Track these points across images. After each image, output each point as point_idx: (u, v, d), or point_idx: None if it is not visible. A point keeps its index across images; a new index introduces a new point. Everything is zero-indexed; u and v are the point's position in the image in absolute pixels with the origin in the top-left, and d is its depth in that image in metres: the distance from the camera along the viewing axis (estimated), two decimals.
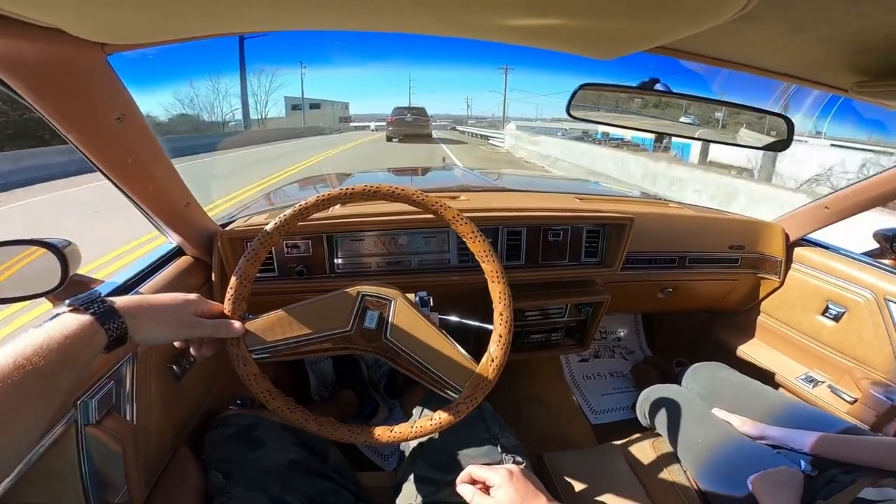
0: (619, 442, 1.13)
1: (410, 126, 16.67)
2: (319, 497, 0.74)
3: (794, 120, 0.81)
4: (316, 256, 1.07)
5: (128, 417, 0.71)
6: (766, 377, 1.38)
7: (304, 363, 1.54)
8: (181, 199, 0.88)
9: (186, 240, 0.95)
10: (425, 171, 2.25)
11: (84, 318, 0.49)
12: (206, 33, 0.55)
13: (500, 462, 0.75)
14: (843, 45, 0.51)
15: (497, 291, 0.70)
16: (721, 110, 0.85)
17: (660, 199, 1.60)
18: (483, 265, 0.70)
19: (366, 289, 0.72)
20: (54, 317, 0.50)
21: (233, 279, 0.65)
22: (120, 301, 0.53)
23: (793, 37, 0.51)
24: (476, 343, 1.25)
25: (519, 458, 0.77)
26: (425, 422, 0.67)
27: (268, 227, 0.66)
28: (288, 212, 0.67)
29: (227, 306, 0.65)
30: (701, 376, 1.17)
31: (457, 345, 0.71)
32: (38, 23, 0.41)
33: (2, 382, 0.39)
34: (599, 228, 1.17)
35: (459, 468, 0.67)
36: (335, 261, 1.09)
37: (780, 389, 1.28)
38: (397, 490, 0.81)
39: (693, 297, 1.45)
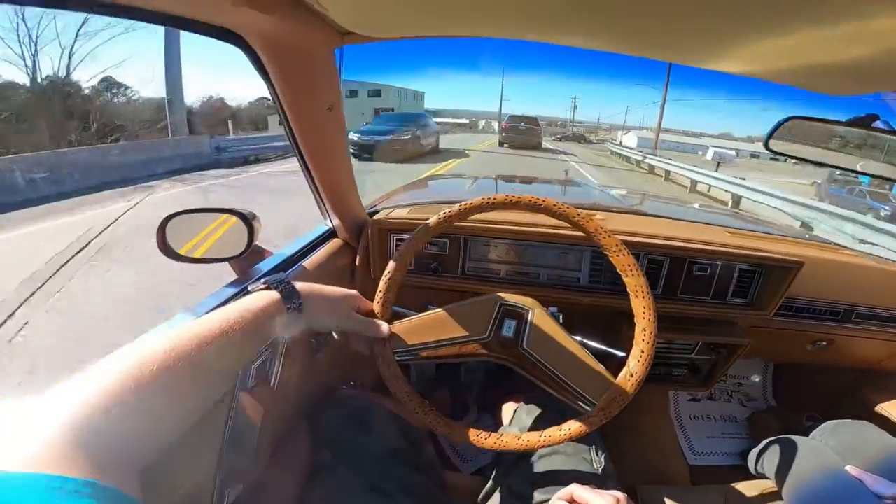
0: (719, 485, 1.04)
1: (523, 134, 17.00)
2: (413, 489, 0.76)
3: None
4: (451, 256, 1.10)
5: (272, 384, 0.77)
6: None
7: None
8: (347, 187, 0.96)
9: (343, 223, 1.03)
10: (557, 183, 2.20)
11: (273, 295, 0.55)
12: (448, 32, 0.57)
13: (601, 487, 0.73)
14: None
15: (641, 307, 0.67)
16: None
17: (831, 243, 1.40)
18: (626, 279, 0.68)
19: (504, 297, 0.73)
20: (248, 291, 0.58)
21: (382, 283, 0.69)
22: (299, 285, 0.59)
23: None
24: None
25: (618, 486, 0.73)
26: (554, 431, 0.67)
27: (429, 222, 0.69)
28: (453, 209, 0.69)
29: (376, 308, 0.69)
30: (841, 434, 1.03)
31: (594, 359, 0.70)
32: (310, 4, 0.45)
33: (208, 343, 0.44)
34: (756, 269, 1.06)
35: (557, 488, 0.65)
36: (467, 263, 1.11)
37: None
38: (486, 498, 0.81)
39: (849, 355, 1.26)
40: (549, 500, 0.64)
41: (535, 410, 0.89)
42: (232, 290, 0.77)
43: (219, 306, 0.72)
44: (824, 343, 1.22)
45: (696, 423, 1.65)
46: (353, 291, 0.68)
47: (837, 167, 0.72)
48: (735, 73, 0.49)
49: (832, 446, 1.01)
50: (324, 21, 0.50)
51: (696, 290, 1.08)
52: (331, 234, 1.09)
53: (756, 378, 1.73)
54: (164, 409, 0.40)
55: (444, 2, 0.44)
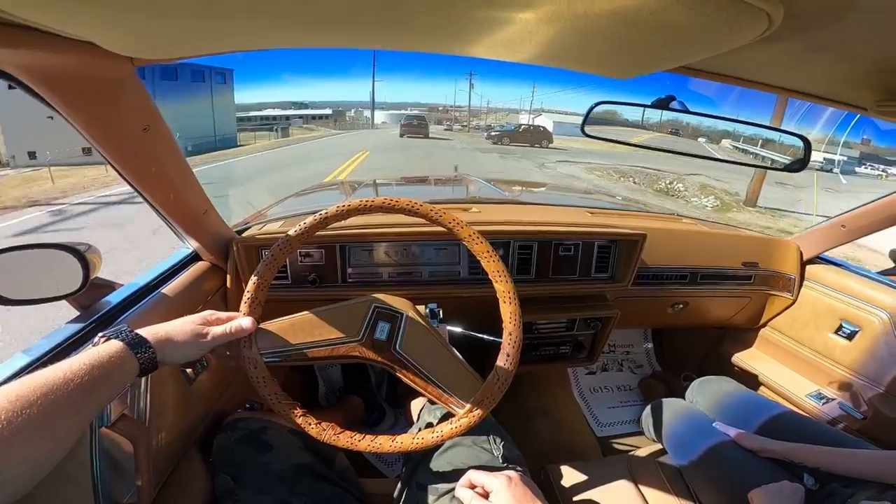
0: (622, 454, 1.13)
1: (416, 127, 24.78)
2: (325, 502, 0.75)
3: None
4: (328, 265, 1.08)
5: (140, 419, 0.72)
6: (777, 393, 1.36)
7: (314, 369, 1.55)
8: (200, 207, 0.90)
9: (204, 246, 0.97)
10: (438, 180, 2.25)
11: (119, 346, 0.53)
12: (229, 49, 0.56)
13: (500, 471, 0.76)
14: (865, 63, 0.51)
15: (508, 312, 0.70)
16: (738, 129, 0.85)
17: (673, 214, 1.59)
18: (496, 285, 0.71)
19: (378, 300, 0.72)
20: (94, 344, 0.55)
21: (250, 282, 0.66)
22: (144, 331, 0.57)
23: (813, 56, 0.51)
24: (483, 355, 1.25)
25: (519, 468, 0.77)
26: (427, 434, 0.68)
27: (290, 233, 0.67)
28: (308, 220, 0.68)
29: (243, 308, 0.66)
30: (706, 390, 1.16)
31: (464, 361, 0.72)
32: (73, 36, 0.42)
33: (55, 392, 0.43)
34: (611, 244, 1.17)
35: (460, 476, 0.68)
36: (347, 270, 1.10)
37: (790, 406, 1.27)
38: (399, 497, 0.81)
39: (704, 314, 1.44)
40: (453, 488, 0.67)
41: (439, 409, 0.90)
42: (72, 329, 0.71)
43: (59, 346, 0.67)
44: (682, 306, 1.37)
45: (596, 396, 1.77)
46: (205, 312, 0.65)
47: (647, 147, 0.81)
48: (513, 61, 0.54)
49: (701, 403, 1.13)
50: (101, 49, 0.46)
51: (565, 270, 1.17)
52: (194, 258, 1.01)
53: (631, 346, 1.91)
54: (9, 460, 0.39)
55: (214, 25, 0.42)
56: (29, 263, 0.75)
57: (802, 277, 1.37)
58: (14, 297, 0.73)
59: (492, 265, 0.70)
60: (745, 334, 1.56)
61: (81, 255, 0.75)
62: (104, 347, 0.52)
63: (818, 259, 1.37)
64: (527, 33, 0.44)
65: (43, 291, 0.76)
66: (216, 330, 0.63)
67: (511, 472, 0.64)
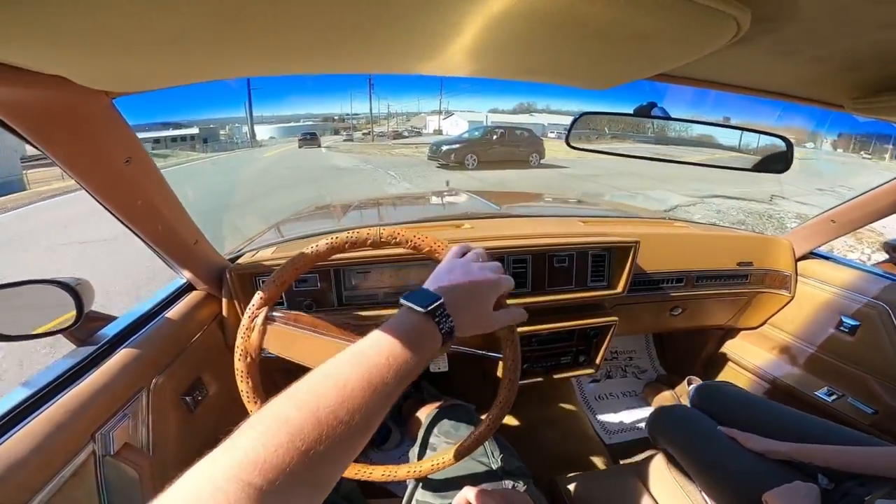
0: (632, 462, 1.11)
1: (309, 141, 24.11)
2: None
3: None
4: (323, 290, 1.07)
5: (144, 448, 0.74)
6: (783, 392, 1.35)
7: None
8: (190, 237, 0.90)
9: (197, 276, 0.97)
10: (430, 197, 2.27)
11: (427, 321, 0.47)
12: (206, 78, 0.56)
13: (499, 485, 0.77)
14: (835, 63, 0.52)
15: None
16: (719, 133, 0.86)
17: (664, 218, 1.60)
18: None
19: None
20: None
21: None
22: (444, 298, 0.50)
23: (785, 58, 0.52)
24: (485, 369, 1.24)
25: (520, 482, 0.77)
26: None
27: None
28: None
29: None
30: (707, 395, 1.15)
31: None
32: (43, 71, 0.42)
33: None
34: (605, 252, 1.17)
35: (458, 490, 0.69)
36: (343, 293, 1.09)
37: (797, 404, 1.26)
38: None
39: (704, 316, 1.44)
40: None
41: (443, 428, 0.91)
42: (70, 362, 0.71)
43: (58, 379, 0.67)
44: (680, 310, 1.37)
45: (602, 404, 1.75)
46: (490, 276, 0.56)
47: (632, 156, 0.82)
48: (489, 77, 0.55)
49: (705, 407, 1.12)
50: (73, 83, 0.46)
51: (561, 281, 1.17)
52: (188, 288, 1.01)
53: (634, 352, 1.90)
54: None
55: (183, 58, 0.43)
56: (22, 299, 0.76)
57: (797, 274, 1.37)
58: (10, 334, 0.74)
59: None
60: (746, 334, 1.55)
61: (73, 289, 0.75)
62: (409, 319, 0.47)
63: (812, 255, 1.37)
64: (499, 50, 0.45)
65: (38, 327, 0.76)
66: (499, 314, 0.56)
67: (507, 490, 0.65)
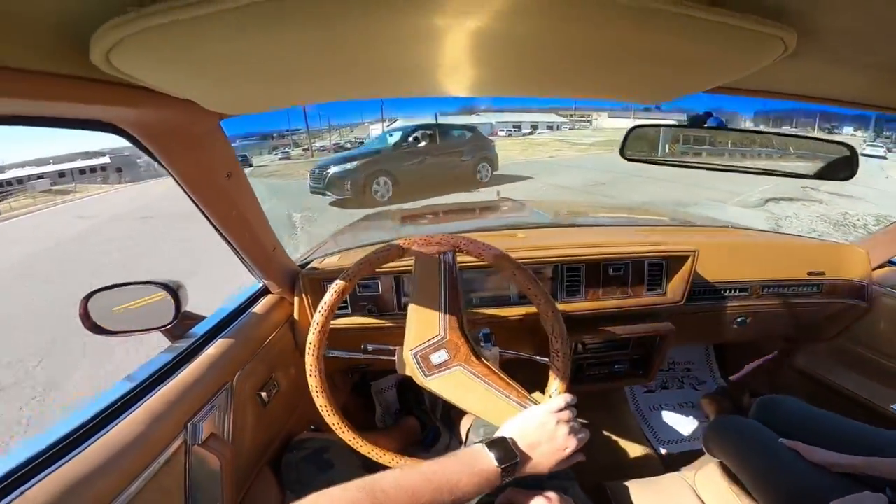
0: (687, 472, 1.08)
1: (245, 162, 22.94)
2: None
3: None
4: (384, 295, 1.14)
5: (225, 437, 0.81)
6: (856, 406, 1.27)
7: (371, 393, 1.62)
8: (269, 244, 0.99)
9: (273, 280, 1.06)
10: (483, 208, 2.30)
11: (495, 470, 0.59)
12: (300, 102, 0.63)
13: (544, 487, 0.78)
14: (888, 69, 0.51)
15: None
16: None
17: (727, 226, 1.54)
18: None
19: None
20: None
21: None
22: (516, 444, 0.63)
23: (838, 67, 0.52)
24: (534, 373, 1.26)
25: (565, 482, 0.78)
26: None
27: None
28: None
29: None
30: (769, 408, 1.11)
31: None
32: (178, 95, 0.49)
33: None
34: (662, 261, 1.16)
35: (501, 490, 0.69)
36: (402, 298, 1.15)
37: (872, 419, 1.17)
38: None
39: (771, 327, 1.37)
40: (492, 502, 0.70)
41: (489, 428, 0.93)
42: (168, 357, 0.79)
43: (157, 372, 0.75)
44: (746, 320, 1.32)
45: (657, 413, 1.71)
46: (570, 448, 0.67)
47: (686, 165, 0.82)
48: (543, 96, 0.58)
49: (766, 420, 1.08)
50: (196, 105, 0.55)
51: (616, 290, 1.17)
52: (264, 291, 1.11)
53: (692, 362, 1.83)
54: None
55: (287, 85, 0.50)
56: (125, 298, 0.86)
57: (874, 284, 1.28)
58: (113, 329, 0.84)
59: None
60: (818, 346, 1.46)
61: (174, 290, 0.85)
62: (481, 463, 0.59)
63: (888, 263, 1.28)
64: (556, 67, 0.48)
65: (138, 324, 0.86)
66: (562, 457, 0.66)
67: (551, 494, 0.66)
